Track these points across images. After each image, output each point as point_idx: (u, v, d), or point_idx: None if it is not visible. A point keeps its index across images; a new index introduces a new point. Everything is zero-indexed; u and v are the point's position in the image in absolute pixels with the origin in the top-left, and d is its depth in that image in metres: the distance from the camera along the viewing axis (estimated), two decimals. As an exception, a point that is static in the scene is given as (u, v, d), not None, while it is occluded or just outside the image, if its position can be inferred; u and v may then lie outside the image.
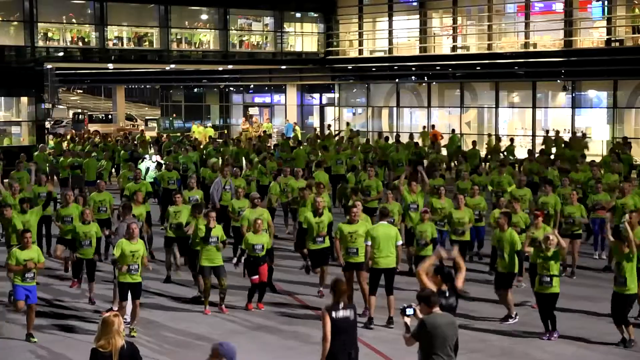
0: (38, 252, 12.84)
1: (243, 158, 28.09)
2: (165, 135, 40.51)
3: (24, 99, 35.50)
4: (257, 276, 14.30)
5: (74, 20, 36.88)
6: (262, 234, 14.42)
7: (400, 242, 13.59)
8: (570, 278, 16.15)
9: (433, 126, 39.53)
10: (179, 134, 42.92)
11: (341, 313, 9.05)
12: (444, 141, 34.24)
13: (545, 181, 19.37)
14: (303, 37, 43.62)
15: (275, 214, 19.93)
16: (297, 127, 43.39)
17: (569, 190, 18.01)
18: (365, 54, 43.15)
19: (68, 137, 39.25)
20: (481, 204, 17.42)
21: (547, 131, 34.86)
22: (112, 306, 13.66)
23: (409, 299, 15.01)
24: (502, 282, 13.77)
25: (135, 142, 33.72)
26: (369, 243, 13.34)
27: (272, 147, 32.17)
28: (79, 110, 62.91)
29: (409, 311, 8.42)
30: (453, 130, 36.62)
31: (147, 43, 38.86)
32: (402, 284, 16.00)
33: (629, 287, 12.25)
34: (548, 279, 12.57)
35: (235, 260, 15.37)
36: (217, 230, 14.19)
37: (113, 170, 30.19)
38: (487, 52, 38.04)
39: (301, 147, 29.59)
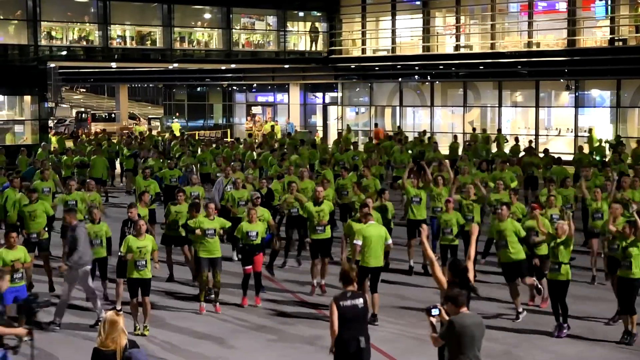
0: (24, 251, 12.75)
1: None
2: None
3: (27, 98, 35.56)
4: (250, 266, 14.32)
5: (73, 20, 36.86)
6: (256, 223, 14.45)
7: (389, 242, 13.58)
8: (604, 284, 15.73)
9: (376, 124, 40.80)
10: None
11: (349, 302, 9.08)
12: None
13: (550, 180, 19.37)
14: (306, 37, 43.62)
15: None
16: (277, 127, 43.66)
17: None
18: (369, 53, 43.16)
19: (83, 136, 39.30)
20: (504, 199, 17.34)
21: (474, 129, 35.69)
22: (115, 305, 13.66)
23: (418, 299, 15.07)
24: (512, 272, 13.78)
25: (137, 138, 33.64)
26: (359, 242, 13.28)
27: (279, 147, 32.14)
28: (82, 109, 63.02)
29: (435, 311, 8.41)
30: (399, 128, 38.45)
31: (149, 42, 38.89)
32: (420, 282, 16.08)
33: (634, 272, 12.34)
34: (557, 266, 12.71)
35: (235, 254, 15.42)
36: (215, 223, 14.19)
37: (118, 168, 30.20)
38: (490, 51, 38.05)
39: (304, 147, 29.61)
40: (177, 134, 41.49)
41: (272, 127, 42.95)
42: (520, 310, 13.69)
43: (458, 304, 8.33)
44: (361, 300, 9.17)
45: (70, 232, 13.41)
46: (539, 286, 13.98)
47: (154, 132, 42.27)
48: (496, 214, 14.48)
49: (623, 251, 12.56)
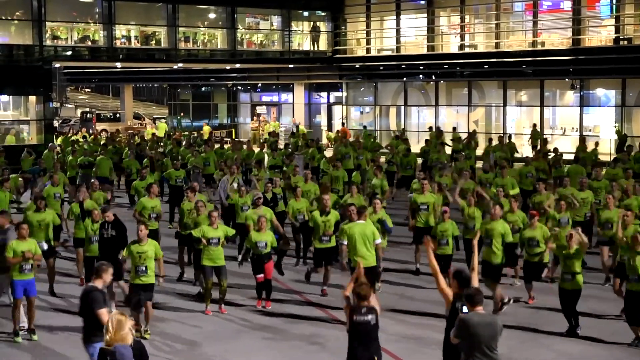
0: (35, 244, 12.85)
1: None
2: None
3: (32, 98, 35.60)
4: (262, 274, 14.31)
5: (78, 20, 36.93)
6: (266, 232, 14.43)
7: (378, 241, 13.44)
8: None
9: (343, 124, 42.03)
10: (187, 133, 42.99)
11: (362, 318, 9.07)
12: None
13: (540, 180, 19.33)
14: (311, 36, 43.62)
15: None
16: (301, 126, 43.61)
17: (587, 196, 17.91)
18: (373, 53, 43.16)
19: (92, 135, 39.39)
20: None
21: (431, 127, 36.39)
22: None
23: (421, 298, 15.07)
24: (490, 272, 13.68)
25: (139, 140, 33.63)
26: (345, 242, 13.21)
27: (284, 147, 32.15)
28: (87, 109, 63.07)
29: (465, 310, 8.54)
30: (364, 127, 39.64)
31: (154, 42, 38.94)
32: (425, 282, 16.06)
33: None
34: (569, 275, 12.70)
35: (240, 258, 15.40)
36: (219, 231, 14.14)
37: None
38: (494, 50, 38.03)
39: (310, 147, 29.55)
40: (161, 134, 41.66)
41: (298, 127, 42.81)
42: (505, 299, 13.57)
43: (472, 303, 8.43)
44: (373, 316, 9.12)
45: (2, 235, 13.35)
46: (505, 301, 13.79)
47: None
48: (489, 213, 14.42)
49: (629, 262, 12.38)
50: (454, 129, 35.46)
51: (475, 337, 8.24)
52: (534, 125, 34.96)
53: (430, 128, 36.81)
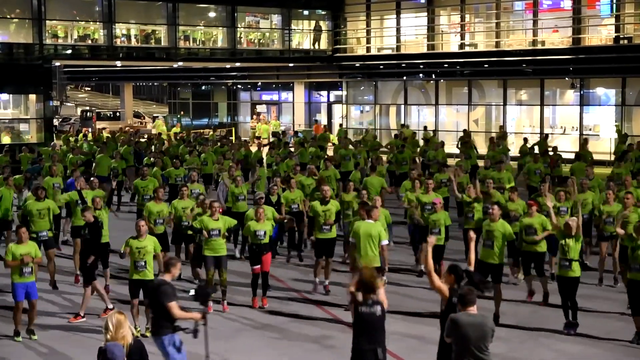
0: (34, 247, 12.84)
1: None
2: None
3: (32, 97, 35.61)
4: (258, 266, 14.27)
5: (78, 18, 36.94)
6: (264, 222, 14.40)
7: (385, 242, 13.39)
8: (614, 287, 15.61)
9: (316, 121, 42.95)
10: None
11: (367, 309, 9.03)
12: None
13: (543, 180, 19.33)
14: (311, 35, 43.62)
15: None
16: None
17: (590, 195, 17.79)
18: (373, 52, 43.14)
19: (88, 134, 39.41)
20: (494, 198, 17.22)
21: (403, 124, 37.10)
22: (107, 305, 13.60)
23: (422, 297, 15.07)
24: (487, 273, 13.57)
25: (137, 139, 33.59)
26: (353, 240, 13.30)
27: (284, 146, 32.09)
28: (87, 108, 63.07)
29: None
30: (340, 125, 40.78)
31: (154, 40, 38.93)
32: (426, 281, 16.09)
33: None
34: (567, 262, 12.70)
35: (237, 254, 15.42)
36: (220, 222, 14.13)
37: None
38: (495, 49, 38.03)
39: (305, 147, 29.50)
40: (164, 134, 41.71)
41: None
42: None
43: (463, 304, 8.39)
44: (379, 307, 9.09)
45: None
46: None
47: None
48: (487, 213, 14.35)
49: (632, 252, 12.42)
50: (425, 127, 36.00)
51: (465, 337, 8.21)
52: (500, 127, 34.95)
53: (402, 125, 37.77)
